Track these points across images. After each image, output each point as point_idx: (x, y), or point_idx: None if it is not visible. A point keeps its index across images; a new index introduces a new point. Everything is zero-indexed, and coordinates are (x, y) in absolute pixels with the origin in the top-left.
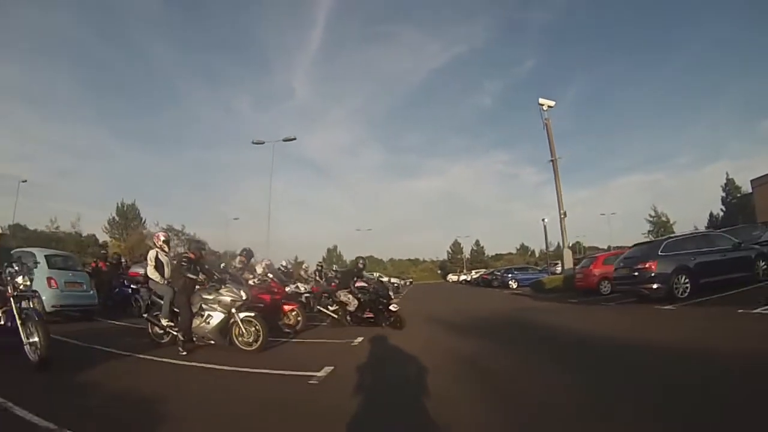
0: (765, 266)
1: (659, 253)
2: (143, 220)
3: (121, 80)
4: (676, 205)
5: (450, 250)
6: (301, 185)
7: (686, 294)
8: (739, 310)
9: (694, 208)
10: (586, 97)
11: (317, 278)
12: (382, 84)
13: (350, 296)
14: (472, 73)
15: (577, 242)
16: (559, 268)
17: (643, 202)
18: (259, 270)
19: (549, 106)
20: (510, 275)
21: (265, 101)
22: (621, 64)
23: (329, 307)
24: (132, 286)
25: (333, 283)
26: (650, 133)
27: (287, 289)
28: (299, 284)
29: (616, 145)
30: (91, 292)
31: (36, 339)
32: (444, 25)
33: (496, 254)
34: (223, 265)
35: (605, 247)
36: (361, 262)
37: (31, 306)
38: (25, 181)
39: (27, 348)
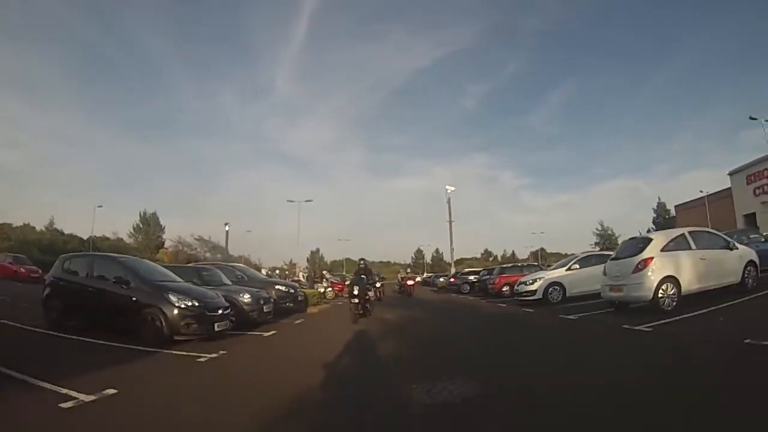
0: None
1: (459, 275)
2: (163, 228)
3: (110, 71)
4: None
5: (414, 256)
6: (281, 181)
7: (469, 292)
8: (479, 298)
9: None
10: (569, 102)
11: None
12: (366, 83)
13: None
14: (458, 75)
15: (541, 248)
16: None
17: (618, 208)
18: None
19: (452, 190)
20: (438, 279)
21: (249, 96)
22: (607, 73)
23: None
24: None
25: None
26: (630, 142)
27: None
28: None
29: (595, 151)
30: None
31: None
32: (431, 25)
33: (460, 258)
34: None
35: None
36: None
37: None
38: (101, 206)
39: None
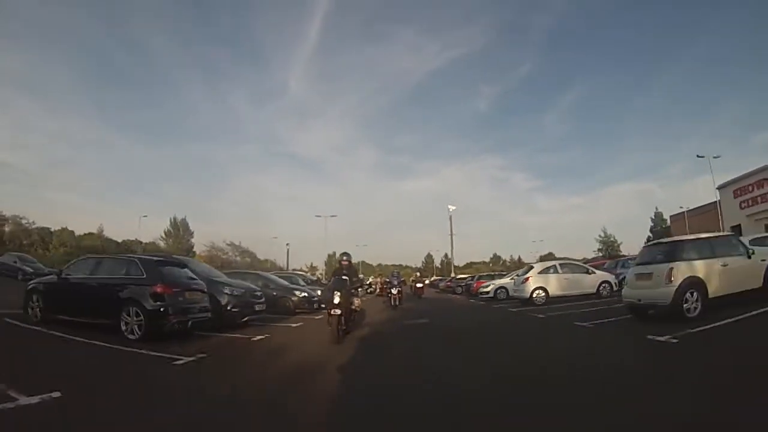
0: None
1: (454, 280)
2: (192, 232)
3: (121, 75)
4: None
5: (424, 261)
6: (294, 184)
7: (461, 293)
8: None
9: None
10: (579, 103)
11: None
12: (377, 84)
13: None
14: (469, 76)
15: (549, 253)
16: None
17: (630, 210)
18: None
19: (453, 208)
20: (440, 283)
21: (260, 98)
22: (617, 73)
23: None
24: None
25: None
26: (642, 144)
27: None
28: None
29: (607, 153)
30: None
31: None
32: (442, 26)
33: (470, 262)
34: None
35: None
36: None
37: None
38: (146, 216)
39: None
